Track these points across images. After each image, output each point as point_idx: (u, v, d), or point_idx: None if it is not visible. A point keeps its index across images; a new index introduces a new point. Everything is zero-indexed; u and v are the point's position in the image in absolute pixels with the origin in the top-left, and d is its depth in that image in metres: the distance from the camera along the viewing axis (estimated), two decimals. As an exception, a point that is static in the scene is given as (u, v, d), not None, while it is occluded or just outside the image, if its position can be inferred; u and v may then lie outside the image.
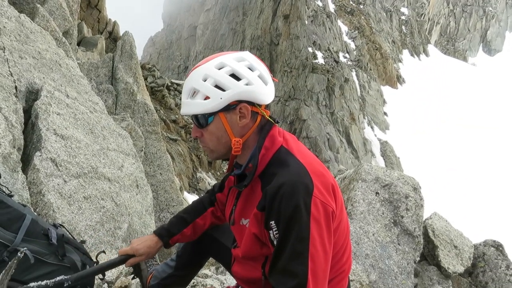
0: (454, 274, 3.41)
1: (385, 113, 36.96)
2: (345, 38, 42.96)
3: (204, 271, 3.00)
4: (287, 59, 38.66)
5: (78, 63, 7.99)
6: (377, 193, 2.98)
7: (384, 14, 54.22)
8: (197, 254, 2.14)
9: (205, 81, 1.47)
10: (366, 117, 34.58)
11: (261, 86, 1.49)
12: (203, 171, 15.44)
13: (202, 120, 1.51)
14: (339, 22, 43.72)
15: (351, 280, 2.45)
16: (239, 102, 1.47)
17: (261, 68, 1.53)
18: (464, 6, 75.87)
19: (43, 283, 1.65)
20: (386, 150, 30.45)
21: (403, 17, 59.43)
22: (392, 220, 2.93)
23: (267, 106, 1.56)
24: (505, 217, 27.09)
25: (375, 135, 31.92)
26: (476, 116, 39.95)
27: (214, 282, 2.62)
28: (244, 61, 1.52)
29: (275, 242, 1.38)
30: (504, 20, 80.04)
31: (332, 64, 36.53)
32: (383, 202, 2.96)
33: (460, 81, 47.74)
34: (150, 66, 20.67)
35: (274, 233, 1.38)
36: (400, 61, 49.69)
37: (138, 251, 1.84)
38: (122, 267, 2.85)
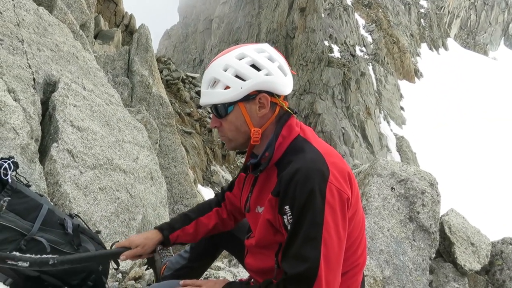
0: (471, 271, 3.35)
1: (401, 108, 36.43)
2: (362, 32, 42.40)
3: (217, 263, 3.02)
4: (303, 52, 38.40)
5: (94, 56, 8.07)
6: (392, 188, 2.94)
7: (403, 7, 53.27)
8: (210, 247, 2.15)
9: (225, 71, 1.49)
10: (382, 111, 34.17)
11: (280, 77, 1.51)
12: (217, 164, 15.52)
13: (221, 110, 1.52)
14: (356, 15, 43.16)
15: (365, 276, 2.43)
16: (259, 92, 1.49)
17: (281, 59, 1.55)
18: (486, -1, 74.01)
19: (27, 255, 1.62)
20: (402, 145, 30.06)
21: (422, 10, 58.29)
22: (408, 216, 2.89)
23: (285, 98, 1.56)
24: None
25: (391, 130, 31.53)
26: (498, 109, 39.07)
27: (227, 274, 2.63)
28: (264, 52, 1.53)
29: (288, 228, 1.39)
30: (527, 13, 77.77)
31: (348, 58, 36.14)
32: (398, 198, 2.92)
33: (481, 75, 46.68)
34: (165, 59, 20.78)
35: (288, 218, 1.38)
36: (418, 55, 48.83)
37: (134, 242, 1.77)
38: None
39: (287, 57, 40.09)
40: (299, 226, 1.35)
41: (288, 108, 1.56)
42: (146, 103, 6.43)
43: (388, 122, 33.13)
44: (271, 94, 1.50)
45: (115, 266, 1.96)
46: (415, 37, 50.84)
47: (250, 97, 1.48)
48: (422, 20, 56.02)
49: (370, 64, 38.05)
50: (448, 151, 31.50)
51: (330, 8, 43.04)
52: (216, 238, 2.10)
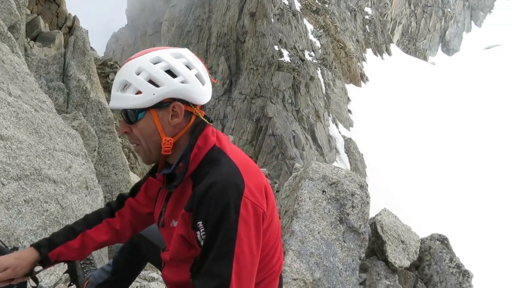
0: (401, 268, 3.51)
1: (349, 111, 37.70)
2: (311, 37, 43.44)
3: (151, 274, 2.94)
4: (253, 56, 38.67)
5: (30, 59, 7.62)
6: (323, 191, 3.01)
7: (349, 13, 55.23)
8: (134, 259, 2.08)
9: (138, 74, 1.42)
10: (330, 114, 35.17)
11: (197, 86, 1.45)
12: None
13: (131, 116, 1.45)
14: (305, 21, 44.16)
15: (295, 279, 2.47)
16: (173, 100, 1.43)
17: (199, 67, 1.50)
18: (425, 7, 78.46)
19: None
20: (350, 147, 31.08)
21: (366, 17, 60.72)
22: (338, 218, 2.98)
23: (202, 107, 1.53)
24: (458, 212, 28.31)
25: (340, 132, 32.53)
26: (437, 111, 41.51)
27: (160, 285, 2.56)
28: (182, 58, 1.47)
29: (202, 243, 1.36)
30: (462, 21, 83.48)
31: (297, 62, 36.85)
32: (329, 200, 3.00)
33: (421, 79, 49.38)
34: (112, 63, 20.15)
35: (202, 233, 1.35)
36: (364, 59, 50.81)
37: (1, 264, 1.50)
38: (61, 272, 2.74)
39: (238, 61, 40.25)
40: (212, 242, 1.32)
41: (205, 116, 1.53)
42: (83, 109, 6.18)
43: (336, 125, 34.14)
44: (186, 102, 1.46)
45: (34, 284, 1.84)
46: (361, 43, 52.88)
47: (163, 105, 1.42)
48: (367, 27, 58.38)
49: (319, 68, 39.05)
50: (393, 151, 33.00)
51: (279, 13, 43.71)
52: (141, 249, 2.04)
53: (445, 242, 3.97)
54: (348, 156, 30.56)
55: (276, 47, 38.59)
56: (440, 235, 4.02)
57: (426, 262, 3.82)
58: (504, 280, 21.24)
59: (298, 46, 40.87)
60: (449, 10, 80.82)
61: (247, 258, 1.33)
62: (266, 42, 38.52)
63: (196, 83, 1.45)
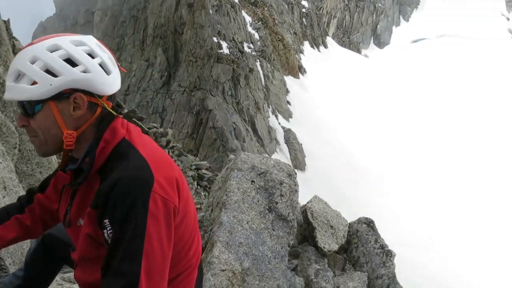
0: (330, 252, 3.66)
1: (288, 102, 38.49)
2: (249, 29, 43.57)
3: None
4: (192, 48, 38.06)
5: None
6: (252, 181, 3.05)
7: (286, 6, 56.05)
8: (47, 261, 1.95)
9: (33, 63, 1.32)
10: (270, 106, 35.67)
11: (101, 75, 1.37)
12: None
13: (28, 108, 1.36)
14: (243, 13, 44.17)
15: (223, 270, 2.48)
16: (74, 91, 1.34)
17: (104, 55, 1.41)
18: (358, 1, 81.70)
19: None
20: (289, 137, 31.80)
21: (303, 10, 62.01)
22: (267, 207, 3.04)
23: (110, 98, 1.45)
24: (390, 193, 30.21)
25: (279, 123, 33.15)
26: (370, 100, 43.68)
27: None
28: (83, 45, 1.38)
29: (109, 242, 1.31)
30: (391, 15, 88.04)
31: (237, 54, 36.83)
32: (258, 190, 3.05)
33: (355, 71, 51.58)
34: (37, 54, 18.86)
35: (109, 232, 1.29)
36: (301, 52, 51.96)
37: None
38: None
39: (176, 53, 39.51)
40: (119, 240, 1.27)
41: (113, 108, 1.47)
42: (1, 104, 5.77)
43: (276, 116, 34.74)
44: (89, 93, 1.38)
45: None
46: (298, 35, 54.00)
47: (63, 96, 1.34)
48: (304, 19, 59.67)
49: (258, 60, 39.34)
50: (330, 140, 34.30)
51: (217, 5, 43.29)
52: (54, 249, 1.93)
53: (371, 225, 4.20)
54: (288, 146, 31.27)
55: (215, 39, 38.23)
56: (366, 218, 4.24)
57: (354, 244, 4.02)
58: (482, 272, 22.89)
59: (237, 38, 40.80)
60: (379, 5, 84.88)
61: (157, 255, 1.29)
62: (205, 33, 38.02)
63: (99, 72, 1.37)
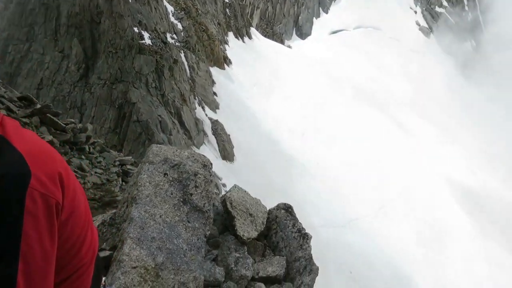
0: (249, 239, 3.71)
1: (214, 93, 38.28)
2: (172, 19, 42.41)
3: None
4: (111, 39, 36.12)
5: None
6: (165, 174, 2.98)
7: (209, -4, 55.39)
8: None
9: None
10: (196, 97, 35.22)
11: None
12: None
13: None
14: (165, 2, 42.84)
15: (134, 267, 2.40)
16: None
17: None
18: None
19: None
20: (217, 128, 31.72)
21: (226, 0, 61.76)
22: (182, 199, 2.98)
23: None
24: (316, 179, 31.61)
25: (206, 115, 32.91)
26: (291, 91, 45.08)
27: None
28: None
29: None
30: (312, 7, 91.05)
31: (160, 45, 35.68)
32: (172, 182, 2.98)
33: (279, 61, 52.74)
34: None
35: None
36: (226, 43, 51.82)
37: None
38: None
39: (94, 44, 37.32)
40: None
41: None
42: None
43: (203, 108, 34.40)
44: None
45: None
46: (222, 26, 53.73)
47: None
48: (227, 10, 59.43)
49: (182, 51, 38.53)
50: (256, 129, 34.83)
51: (137, -7, 41.52)
52: None
53: (289, 210, 4.32)
54: (216, 137, 31.17)
55: (136, 29, 36.63)
56: (285, 204, 4.36)
57: (273, 230, 4.11)
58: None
59: (160, 29, 39.50)
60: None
61: (37, 255, 1.21)
62: (125, 23, 36.27)
63: None
